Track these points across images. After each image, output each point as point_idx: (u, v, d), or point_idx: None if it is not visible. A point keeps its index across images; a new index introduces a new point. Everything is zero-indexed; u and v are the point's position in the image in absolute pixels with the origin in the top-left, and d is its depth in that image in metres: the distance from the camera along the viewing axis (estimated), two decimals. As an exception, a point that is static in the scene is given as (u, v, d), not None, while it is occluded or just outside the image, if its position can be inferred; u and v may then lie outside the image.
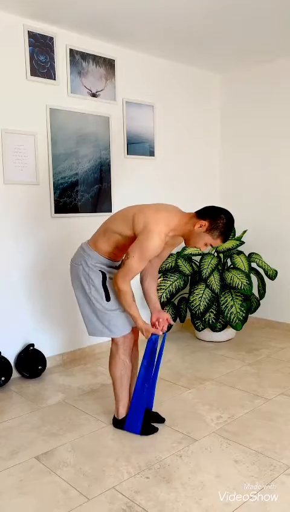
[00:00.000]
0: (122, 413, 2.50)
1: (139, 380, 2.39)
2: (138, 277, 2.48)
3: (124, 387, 2.48)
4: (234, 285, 3.72)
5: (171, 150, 4.26)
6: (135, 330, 2.52)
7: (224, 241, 2.26)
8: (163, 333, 2.45)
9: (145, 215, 2.24)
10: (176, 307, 4.05)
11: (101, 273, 2.35)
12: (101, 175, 3.69)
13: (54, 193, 3.41)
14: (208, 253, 3.93)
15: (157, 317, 2.51)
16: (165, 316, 2.50)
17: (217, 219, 2.20)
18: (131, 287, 2.30)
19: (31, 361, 3.27)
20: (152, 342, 2.37)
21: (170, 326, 3.93)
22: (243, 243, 3.93)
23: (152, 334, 2.36)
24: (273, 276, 4.00)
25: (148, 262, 2.34)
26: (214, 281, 3.75)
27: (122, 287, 2.24)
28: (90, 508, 1.88)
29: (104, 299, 2.35)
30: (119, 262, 2.47)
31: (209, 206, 2.29)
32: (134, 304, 2.32)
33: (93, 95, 3.59)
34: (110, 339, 2.47)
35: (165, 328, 2.49)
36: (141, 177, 4.02)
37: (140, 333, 2.45)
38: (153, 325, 2.50)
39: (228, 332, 4.07)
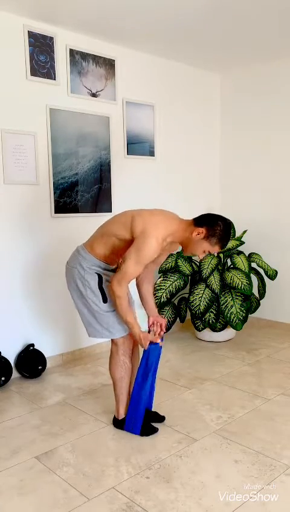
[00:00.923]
0: (122, 413, 2.50)
1: (136, 386, 2.40)
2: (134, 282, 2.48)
3: (124, 388, 2.48)
4: (234, 285, 3.72)
5: (171, 150, 4.25)
6: None
7: (222, 248, 2.27)
8: (160, 339, 2.43)
9: (144, 218, 2.24)
10: (176, 307, 4.05)
11: (97, 275, 2.35)
12: (101, 175, 3.69)
13: (54, 193, 3.41)
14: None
15: (154, 321, 2.53)
16: (162, 321, 2.53)
17: (215, 226, 2.20)
18: (128, 291, 2.30)
19: (31, 361, 3.27)
20: (148, 351, 2.36)
21: (168, 328, 3.94)
22: (243, 243, 3.93)
23: (150, 343, 2.35)
24: (273, 276, 4.00)
25: (144, 268, 2.34)
26: (214, 281, 3.75)
27: (118, 291, 2.22)
28: (90, 508, 1.88)
29: (101, 301, 2.35)
30: (115, 266, 2.47)
31: (206, 214, 2.30)
32: (131, 311, 2.31)
33: (93, 95, 3.59)
34: (110, 339, 2.47)
35: (162, 333, 2.50)
36: (141, 177, 4.02)
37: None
38: (149, 327, 2.53)
39: (228, 332, 4.07)
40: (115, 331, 2.38)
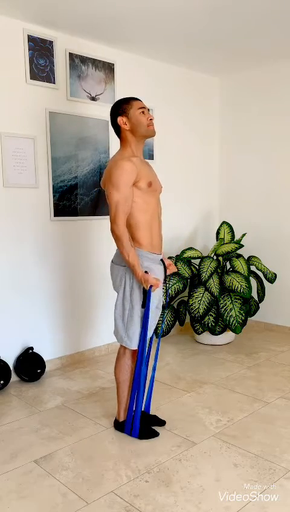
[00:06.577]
0: (122, 416, 2.50)
1: (136, 375, 2.40)
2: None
3: (127, 391, 2.48)
4: (233, 288, 3.72)
5: (170, 153, 4.26)
6: None
7: (136, 99, 2.38)
8: (164, 286, 2.36)
9: (109, 174, 2.30)
10: (176, 310, 4.05)
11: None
12: (101, 178, 3.69)
13: (54, 196, 3.41)
14: (207, 256, 3.94)
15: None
16: (167, 262, 2.52)
17: (115, 106, 2.37)
18: (125, 229, 2.26)
19: (30, 365, 3.27)
20: (150, 293, 2.29)
21: (167, 331, 3.93)
22: (243, 246, 3.94)
23: (150, 286, 2.27)
24: (272, 279, 4.00)
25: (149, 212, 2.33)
26: (213, 284, 3.75)
27: (116, 230, 2.23)
28: (89, 512, 1.87)
29: (141, 304, 2.33)
30: (159, 255, 2.42)
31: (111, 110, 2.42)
32: (133, 250, 2.25)
33: (93, 99, 3.60)
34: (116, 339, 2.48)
35: (160, 282, 2.34)
36: (140, 181, 4.01)
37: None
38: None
39: (227, 336, 4.07)
40: (134, 342, 2.38)
